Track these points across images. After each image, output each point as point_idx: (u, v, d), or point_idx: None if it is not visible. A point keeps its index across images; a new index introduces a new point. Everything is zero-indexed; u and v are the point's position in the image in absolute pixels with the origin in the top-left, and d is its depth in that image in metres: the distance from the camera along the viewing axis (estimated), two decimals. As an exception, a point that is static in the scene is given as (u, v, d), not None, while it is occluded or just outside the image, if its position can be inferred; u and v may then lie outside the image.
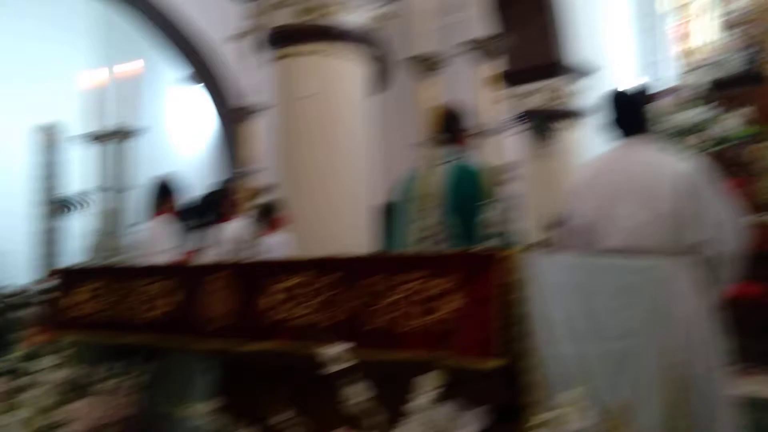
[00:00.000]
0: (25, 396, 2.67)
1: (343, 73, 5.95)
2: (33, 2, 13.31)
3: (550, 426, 1.57)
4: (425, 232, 1.93)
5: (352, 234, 5.47)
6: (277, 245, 4.84)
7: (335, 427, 1.65)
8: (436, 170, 2.03)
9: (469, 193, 2.65)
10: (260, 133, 2.80)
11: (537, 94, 8.83)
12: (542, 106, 8.80)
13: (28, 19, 13.31)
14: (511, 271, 1.64)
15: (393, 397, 1.84)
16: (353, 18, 5.88)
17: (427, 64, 2.00)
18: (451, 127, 2.98)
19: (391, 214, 3.19)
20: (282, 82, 5.98)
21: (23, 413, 2.59)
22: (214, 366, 2.96)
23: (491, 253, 1.73)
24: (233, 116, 9.70)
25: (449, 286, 1.69)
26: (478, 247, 1.79)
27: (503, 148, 2.27)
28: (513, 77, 8.42)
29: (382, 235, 3.31)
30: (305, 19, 5.69)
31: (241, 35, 3.08)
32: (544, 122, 8.59)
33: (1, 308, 6.97)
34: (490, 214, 1.89)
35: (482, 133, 2.07)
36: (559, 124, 8.72)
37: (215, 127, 10.61)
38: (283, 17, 5.66)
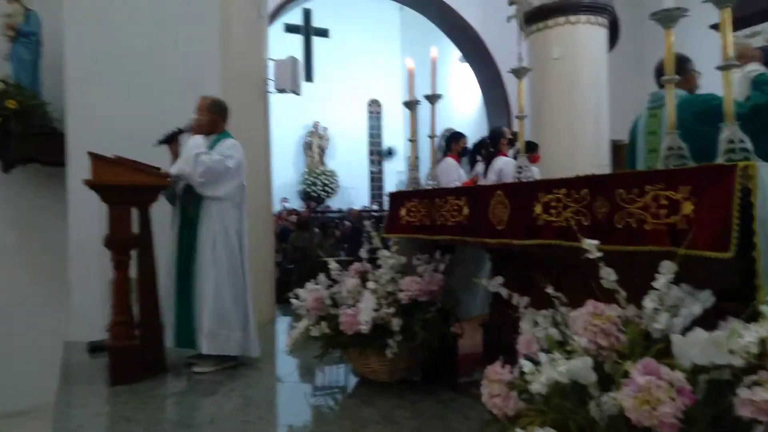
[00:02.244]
0: (371, 275, 3.00)
1: (586, 37, 5.50)
2: (360, 17, 14.35)
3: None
4: (667, 152, 1.75)
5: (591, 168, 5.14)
6: (536, 175, 4.71)
7: (584, 300, 1.62)
8: (672, 106, 1.82)
9: (702, 120, 2.32)
10: (521, 91, 2.73)
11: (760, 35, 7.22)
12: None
13: (354, 22, 14.39)
14: (743, 180, 1.45)
15: (634, 281, 1.76)
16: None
17: (668, 17, 1.78)
18: (680, 70, 2.62)
19: (632, 145, 2.92)
20: (536, 51, 5.73)
21: (371, 285, 2.87)
22: (495, 257, 3.05)
23: (722, 166, 1.54)
24: (493, 83, 9.54)
25: (685, 195, 1.54)
26: (712, 163, 1.58)
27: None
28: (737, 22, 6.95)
29: (627, 163, 3.02)
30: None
31: (509, 18, 2.99)
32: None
33: (360, 220, 7.82)
34: (724, 135, 1.65)
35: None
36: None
37: (481, 92, 10.48)
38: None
